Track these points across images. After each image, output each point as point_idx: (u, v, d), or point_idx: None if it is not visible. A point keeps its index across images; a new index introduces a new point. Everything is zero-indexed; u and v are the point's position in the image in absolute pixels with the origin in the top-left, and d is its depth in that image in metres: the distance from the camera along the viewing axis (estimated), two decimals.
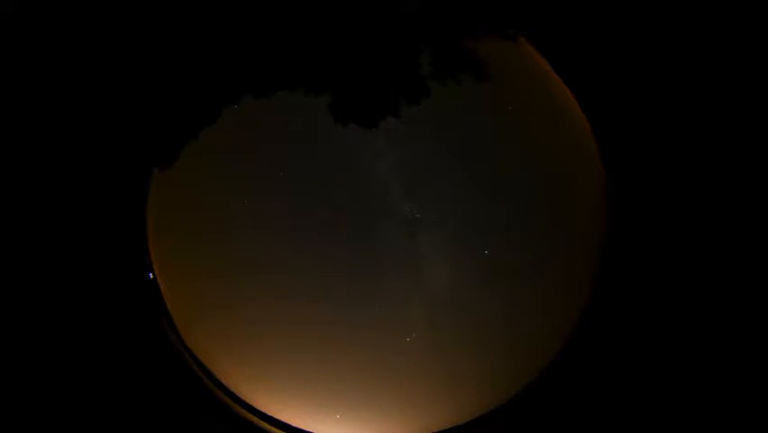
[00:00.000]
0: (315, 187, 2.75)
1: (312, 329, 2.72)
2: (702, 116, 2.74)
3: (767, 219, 2.68)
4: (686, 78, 2.75)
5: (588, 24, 2.79)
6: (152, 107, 2.76)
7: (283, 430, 2.76)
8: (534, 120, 2.86)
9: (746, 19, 2.71)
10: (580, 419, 2.68)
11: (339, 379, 2.72)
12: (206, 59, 2.79)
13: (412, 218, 2.73)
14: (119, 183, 2.75)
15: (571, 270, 2.80)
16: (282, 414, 2.76)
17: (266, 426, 2.75)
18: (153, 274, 2.77)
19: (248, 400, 2.74)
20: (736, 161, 2.72)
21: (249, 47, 2.82)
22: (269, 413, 2.76)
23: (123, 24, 2.72)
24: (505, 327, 2.76)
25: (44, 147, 2.71)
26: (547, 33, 2.84)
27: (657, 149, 2.76)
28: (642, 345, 2.69)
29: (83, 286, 2.70)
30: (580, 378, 2.72)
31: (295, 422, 2.76)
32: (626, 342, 2.70)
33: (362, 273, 2.74)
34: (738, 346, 2.65)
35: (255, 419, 2.75)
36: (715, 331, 2.66)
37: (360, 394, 2.73)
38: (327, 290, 2.74)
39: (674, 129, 2.75)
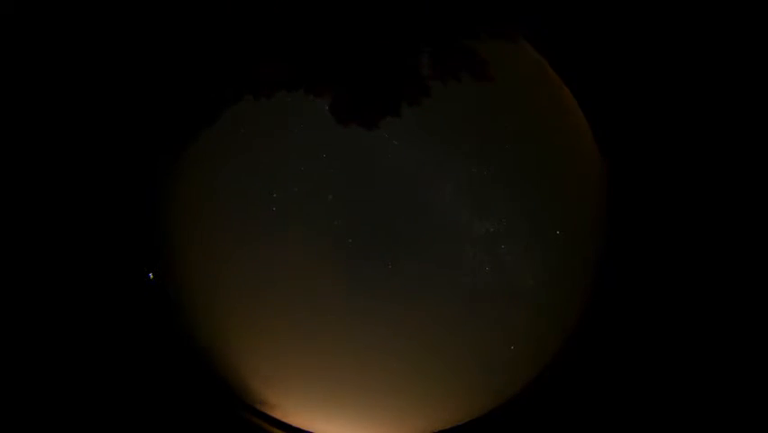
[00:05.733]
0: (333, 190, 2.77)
1: (314, 325, 2.73)
2: (704, 116, 2.74)
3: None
4: (687, 77, 2.76)
5: (588, 24, 2.79)
6: (152, 107, 2.76)
7: (283, 430, 2.77)
8: (534, 120, 2.86)
9: (747, 20, 2.71)
10: (580, 419, 2.70)
11: (339, 379, 2.73)
12: (207, 59, 2.79)
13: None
14: (119, 183, 2.75)
15: (571, 267, 2.81)
16: (282, 414, 2.78)
17: (266, 426, 2.76)
18: (153, 274, 2.77)
19: (250, 401, 2.76)
20: (737, 160, 2.72)
21: (249, 47, 2.81)
22: (269, 413, 2.77)
23: (123, 24, 2.71)
24: (505, 326, 2.77)
25: (44, 147, 2.70)
26: (547, 33, 2.84)
27: (658, 148, 2.77)
28: (643, 345, 2.70)
29: (82, 286, 2.70)
30: (581, 378, 2.73)
31: (294, 421, 2.77)
32: (627, 341, 2.72)
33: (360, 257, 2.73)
34: (739, 346, 2.66)
35: (256, 419, 2.76)
36: (717, 331, 2.68)
37: (360, 394, 2.74)
38: (327, 286, 2.74)
39: (675, 128, 2.75)
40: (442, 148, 2.78)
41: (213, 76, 2.81)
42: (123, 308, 2.71)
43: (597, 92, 2.80)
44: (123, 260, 2.74)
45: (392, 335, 2.73)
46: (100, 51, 2.71)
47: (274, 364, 2.73)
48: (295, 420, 2.77)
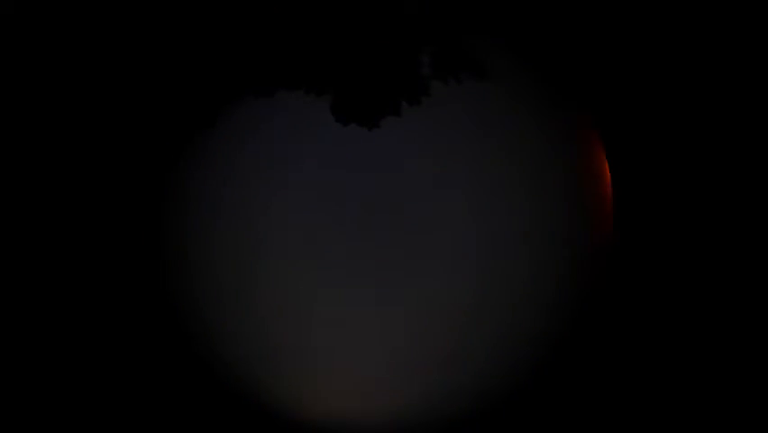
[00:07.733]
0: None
1: (316, 326, 2.73)
2: (706, 116, 2.75)
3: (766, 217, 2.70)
4: (688, 78, 2.76)
5: (588, 24, 2.80)
6: (152, 108, 2.76)
7: (284, 430, 2.77)
8: (535, 119, 2.86)
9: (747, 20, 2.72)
10: (579, 420, 2.70)
11: (339, 379, 2.73)
12: (207, 59, 2.79)
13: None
14: (119, 185, 2.75)
15: (570, 267, 2.80)
16: (281, 412, 2.78)
17: (270, 428, 2.76)
18: (154, 274, 2.78)
19: (253, 401, 2.76)
20: (739, 162, 2.73)
21: (249, 47, 2.81)
22: (270, 413, 2.77)
23: (124, 25, 2.71)
24: (505, 325, 2.76)
25: (43, 148, 2.71)
26: (547, 33, 2.84)
27: (660, 149, 2.77)
28: (644, 345, 2.70)
29: (82, 287, 2.70)
30: (580, 378, 2.73)
31: (293, 418, 2.78)
32: (627, 341, 2.72)
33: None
34: (739, 346, 2.66)
35: (257, 420, 2.76)
36: (719, 332, 2.68)
37: (359, 393, 2.74)
38: (329, 287, 2.74)
39: (677, 130, 2.75)
40: (443, 148, 2.78)
41: (212, 76, 2.81)
42: (123, 308, 2.72)
43: (599, 89, 2.80)
44: (123, 260, 2.74)
45: (394, 335, 2.73)
46: (101, 51, 2.72)
47: (275, 366, 2.74)
48: (295, 416, 2.77)
